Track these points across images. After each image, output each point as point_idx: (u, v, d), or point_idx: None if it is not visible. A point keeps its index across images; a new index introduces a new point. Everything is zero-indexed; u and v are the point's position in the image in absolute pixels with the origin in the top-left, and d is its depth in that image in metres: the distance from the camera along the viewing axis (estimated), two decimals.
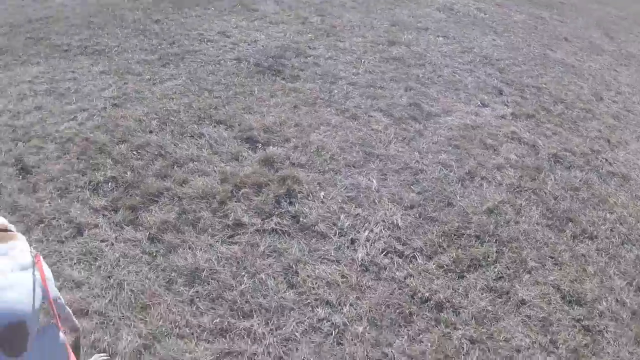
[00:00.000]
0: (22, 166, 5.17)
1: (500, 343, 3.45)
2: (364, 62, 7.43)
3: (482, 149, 5.44)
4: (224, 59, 7.34)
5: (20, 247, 2.87)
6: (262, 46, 7.86)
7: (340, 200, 4.50)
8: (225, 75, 6.82)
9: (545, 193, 4.94)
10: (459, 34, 9.24)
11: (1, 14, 9.43)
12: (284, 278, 3.82)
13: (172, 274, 3.87)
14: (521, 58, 8.51)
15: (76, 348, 3.33)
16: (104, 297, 3.75)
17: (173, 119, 5.71)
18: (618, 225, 4.75)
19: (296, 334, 3.44)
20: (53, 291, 3.00)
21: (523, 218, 4.56)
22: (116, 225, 4.33)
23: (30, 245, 2.88)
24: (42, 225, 4.35)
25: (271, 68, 7.04)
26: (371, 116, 5.75)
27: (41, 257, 2.86)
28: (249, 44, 7.95)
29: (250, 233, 4.18)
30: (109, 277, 3.89)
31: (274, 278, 3.81)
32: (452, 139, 5.50)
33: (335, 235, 4.16)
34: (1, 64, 7.54)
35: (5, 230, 2.94)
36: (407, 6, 10.65)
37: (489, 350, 3.38)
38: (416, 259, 4.03)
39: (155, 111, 5.88)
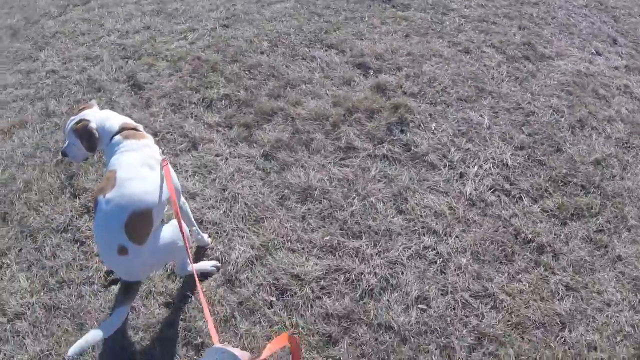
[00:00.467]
0: (134, 82, 5.39)
1: (593, 294, 3.43)
2: None
3: (594, 98, 5.24)
4: None
5: (150, 146, 3.05)
6: None
7: (451, 133, 4.48)
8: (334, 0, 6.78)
9: None
10: None
11: None
12: (393, 204, 3.90)
13: (285, 191, 4.01)
14: (637, 9, 8.00)
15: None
16: (218, 208, 3.94)
17: (284, 41, 5.77)
18: None
19: (402, 258, 3.53)
20: (177, 193, 3.18)
21: (629, 175, 4.41)
22: (230, 141, 4.49)
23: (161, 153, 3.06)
24: (157, 138, 4.55)
25: None
26: (484, 52, 5.61)
27: (168, 161, 3.02)
28: None
29: (362, 157, 4.26)
30: (223, 190, 4.08)
31: (384, 203, 3.89)
32: (565, 85, 5.31)
33: (445, 167, 4.18)
34: None
35: (135, 129, 3.11)
36: None
37: (581, 299, 3.37)
38: (522, 200, 4.00)
39: (265, 33, 5.94)
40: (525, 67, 5.41)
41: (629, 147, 4.72)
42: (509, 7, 6.63)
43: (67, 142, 3.13)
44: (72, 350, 2.59)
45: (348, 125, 4.54)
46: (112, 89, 5.38)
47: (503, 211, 3.89)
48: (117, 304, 2.87)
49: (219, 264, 3.60)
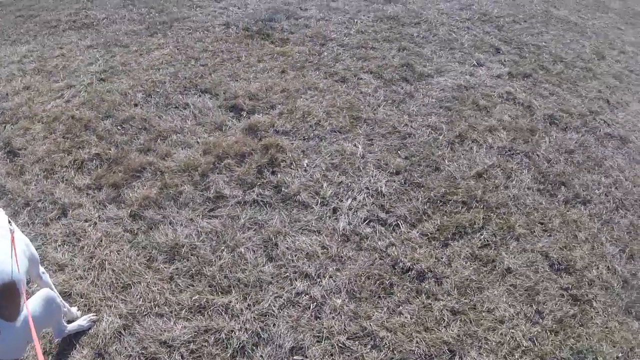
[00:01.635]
0: (9, 149, 5.19)
1: (483, 314, 3.34)
2: (356, 22, 7.22)
3: (474, 110, 5.27)
4: (213, 25, 7.21)
5: (1, 218, 2.91)
6: (252, 9, 7.70)
7: (324, 168, 4.39)
8: (212, 41, 6.70)
9: (538, 156, 4.76)
10: None
11: None
12: (264, 251, 3.77)
13: (153, 252, 3.85)
14: (522, 15, 8.23)
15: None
16: (86, 278, 3.75)
17: (158, 90, 5.64)
18: (613, 189, 4.57)
19: (274, 308, 3.40)
20: (35, 263, 3.08)
21: (513, 182, 4.41)
22: (99, 204, 4.31)
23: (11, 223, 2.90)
24: (29, 208, 4.37)
25: (260, 32, 6.88)
26: (361, 79, 5.57)
27: (16, 235, 2.87)
28: (238, 8, 7.81)
29: (231, 205, 4.13)
30: (91, 257, 3.88)
31: (254, 251, 3.76)
32: (444, 101, 5.33)
33: (317, 204, 4.08)
34: None
35: None
36: None
37: (470, 322, 3.27)
38: (399, 227, 3.91)
39: (140, 83, 5.81)
40: (402, 89, 5.41)
41: (512, 154, 4.75)
42: (389, 31, 6.67)
43: None
44: None
45: (217, 173, 4.41)
46: None
47: (379, 242, 3.79)
48: None
49: (95, 317, 3.47)
